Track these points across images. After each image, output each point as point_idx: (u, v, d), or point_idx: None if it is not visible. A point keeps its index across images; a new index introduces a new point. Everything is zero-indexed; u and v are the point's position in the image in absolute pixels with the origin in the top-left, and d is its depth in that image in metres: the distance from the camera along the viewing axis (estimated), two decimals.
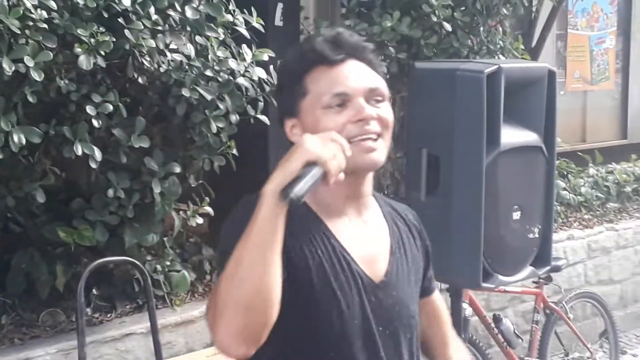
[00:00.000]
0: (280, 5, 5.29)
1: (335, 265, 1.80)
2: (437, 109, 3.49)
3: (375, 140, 1.81)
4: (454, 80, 3.42)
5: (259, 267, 1.60)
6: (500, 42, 5.61)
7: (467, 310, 4.72)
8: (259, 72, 4.05)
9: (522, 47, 6.10)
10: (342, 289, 1.79)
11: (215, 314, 1.62)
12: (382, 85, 1.87)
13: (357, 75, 1.84)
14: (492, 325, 5.06)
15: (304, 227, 1.81)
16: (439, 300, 2.18)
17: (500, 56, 5.62)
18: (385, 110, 1.86)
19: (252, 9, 4.15)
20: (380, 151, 1.83)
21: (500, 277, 3.51)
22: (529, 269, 3.64)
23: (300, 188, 1.61)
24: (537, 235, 3.62)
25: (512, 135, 3.49)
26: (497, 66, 3.38)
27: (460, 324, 3.85)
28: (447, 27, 5.13)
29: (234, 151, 4.18)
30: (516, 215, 3.53)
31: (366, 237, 1.89)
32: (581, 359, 5.49)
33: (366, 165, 1.82)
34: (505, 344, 5.05)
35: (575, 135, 9.06)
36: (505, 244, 3.53)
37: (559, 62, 8.84)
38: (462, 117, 3.42)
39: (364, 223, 1.90)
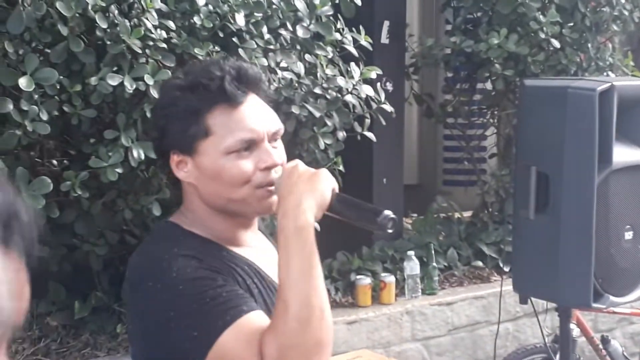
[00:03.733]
0: (386, 23, 5.36)
1: (262, 290, 1.80)
2: (547, 127, 3.46)
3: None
4: (565, 97, 3.38)
5: (325, 294, 1.67)
6: (610, 59, 5.53)
7: (575, 330, 4.66)
8: (366, 90, 4.10)
9: (632, 63, 6.00)
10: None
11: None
12: (280, 124, 1.82)
13: (261, 116, 1.77)
14: (600, 346, 4.98)
15: (222, 261, 1.78)
16: None
17: (610, 73, 5.54)
18: (282, 151, 1.81)
19: (360, 27, 4.21)
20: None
21: (612, 297, 3.44)
22: None
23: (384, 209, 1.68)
24: None
25: (624, 154, 3.43)
26: (609, 84, 3.33)
27: (568, 344, 3.79)
28: (555, 43, 5.09)
29: (341, 167, 4.24)
30: (628, 235, 3.46)
31: (271, 260, 1.84)
32: None
33: (265, 210, 1.80)
34: None
35: None
36: (616, 264, 3.46)
37: None
38: (572, 135, 3.37)
39: (264, 250, 1.90)
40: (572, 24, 5.28)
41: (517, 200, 3.67)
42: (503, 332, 5.23)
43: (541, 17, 4.96)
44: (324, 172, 1.72)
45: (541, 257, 3.50)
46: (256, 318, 1.67)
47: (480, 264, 5.54)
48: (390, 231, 1.68)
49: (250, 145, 1.75)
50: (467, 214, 6.13)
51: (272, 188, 1.75)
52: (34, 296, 3.33)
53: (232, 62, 1.82)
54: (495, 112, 5.83)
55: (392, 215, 1.66)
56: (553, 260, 3.43)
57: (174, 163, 1.79)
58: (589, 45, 5.43)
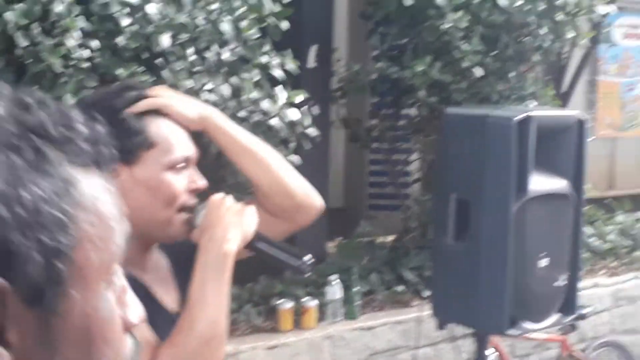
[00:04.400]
0: (314, 48, 5.41)
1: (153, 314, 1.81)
2: (467, 154, 3.53)
3: None
4: (484, 126, 3.47)
5: (225, 322, 1.74)
6: (531, 88, 5.66)
7: (492, 356, 4.74)
8: (291, 114, 4.12)
9: (552, 92, 6.15)
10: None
11: None
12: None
13: (187, 140, 1.76)
14: None
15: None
16: None
17: (531, 102, 5.67)
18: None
19: (289, 50, 4.23)
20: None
21: (526, 324, 3.52)
22: (555, 317, 3.65)
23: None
24: (564, 283, 3.64)
25: (541, 182, 3.52)
26: (527, 114, 3.43)
27: None
28: (478, 72, 5.19)
29: None
30: (544, 262, 3.55)
31: (165, 280, 1.87)
32: None
33: (179, 236, 1.79)
34: None
35: (604, 182, 9.04)
36: (531, 291, 3.55)
37: (589, 108, 8.86)
38: (491, 163, 3.46)
39: (159, 270, 1.88)
40: (495, 53, 5.39)
41: (437, 226, 3.74)
42: (423, 356, 5.28)
43: (465, 45, 5.05)
44: (251, 209, 1.77)
45: (459, 283, 3.57)
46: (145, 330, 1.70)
47: (401, 288, 5.58)
48: (306, 275, 1.74)
49: (185, 166, 1.75)
50: (392, 238, 6.18)
51: (191, 215, 1.75)
52: None
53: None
54: (420, 138, 5.90)
55: (312, 261, 1.72)
56: (471, 287, 3.49)
57: None
58: (511, 74, 5.55)
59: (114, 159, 0.79)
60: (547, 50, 5.65)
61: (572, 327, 5.30)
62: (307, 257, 1.73)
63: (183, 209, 1.76)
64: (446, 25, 5.01)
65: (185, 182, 1.75)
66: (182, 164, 1.74)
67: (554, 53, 5.79)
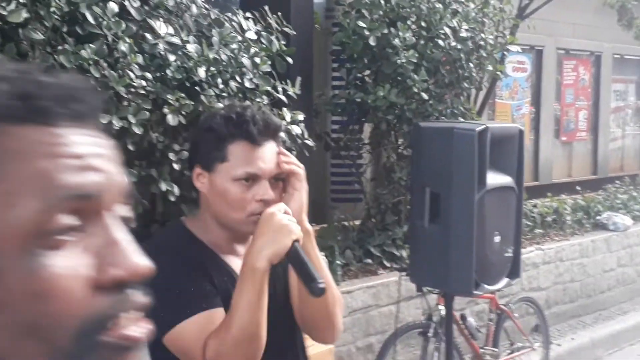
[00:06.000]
0: (299, 79, 5.29)
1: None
2: (438, 157, 3.49)
3: None
4: (452, 135, 3.43)
5: (263, 325, 1.61)
6: (461, 107, 5.65)
7: (442, 310, 4.71)
8: (296, 129, 4.02)
9: (475, 110, 6.16)
10: None
11: None
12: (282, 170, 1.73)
13: (270, 158, 1.69)
14: (460, 322, 5.05)
15: (213, 265, 1.74)
16: None
17: (460, 118, 5.66)
18: (276, 192, 1.72)
19: (290, 79, 4.13)
20: None
21: (486, 286, 3.49)
22: (505, 280, 3.63)
23: (319, 275, 1.55)
24: (511, 254, 3.62)
25: (494, 178, 3.50)
26: (485, 126, 3.40)
27: (451, 320, 3.83)
28: (424, 96, 5.15)
29: None
30: (497, 238, 3.53)
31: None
32: (523, 347, 5.48)
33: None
34: (469, 336, 5.04)
35: None
36: (489, 261, 3.52)
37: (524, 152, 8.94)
38: (457, 163, 3.42)
39: (240, 255, 1.78)
40: (434, 81, 5.36)
41: (414, 213, 3.68)
42: (387, 312, 5.23)
43: (415, 76, 5.01)
44: (292, 226, 1.61)
45: (433, 256, 3.52)
46: (212, 316, 1.62)
47: (369, 261, 5.52)
48: (317, 296, 1.60)
49: (253, 179, 1.68)
50: (357, 222, 6.11)
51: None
52: None
53: (261, 111, 1.76)
54: (377, 148, 5.84)
55: (323, 286, 1.57)
56: (443, 259, 3.45)
57: (195, 174, 1.75)
58: (447, 97, 5.53)
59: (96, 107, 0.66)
60: (473, 79, 5.65)
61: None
62: (321, 283, 1.56)
63: (252, 214, 1.68)
64: (401, 61, 4.96)
65: (252, 193, 1.68)
66: (245, 179, 1.68)
67: (478, 81, 5.79)
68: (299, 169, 1.74)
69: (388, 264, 5.50)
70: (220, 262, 1.76)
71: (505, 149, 3.58)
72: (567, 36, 9.89)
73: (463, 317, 5.08)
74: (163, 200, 3.81)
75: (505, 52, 6.05)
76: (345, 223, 5.82)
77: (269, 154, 1.71)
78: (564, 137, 10.26)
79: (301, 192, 1.73)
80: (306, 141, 4.09)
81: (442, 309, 4.70)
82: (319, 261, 1.74)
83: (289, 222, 1.60)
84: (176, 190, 3.52)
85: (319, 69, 6.55)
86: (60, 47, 2.92)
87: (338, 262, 5.10)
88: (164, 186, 3.47)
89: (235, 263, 1.76)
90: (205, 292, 1.66)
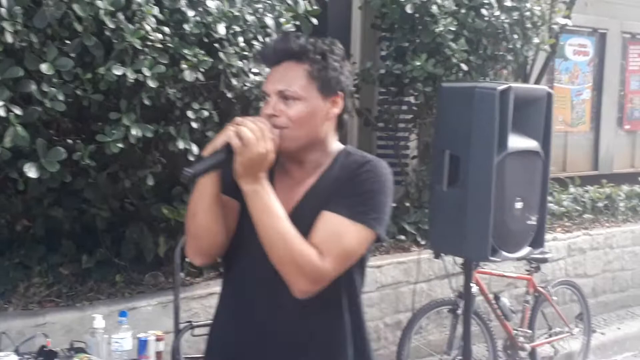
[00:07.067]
0: None
1: None
2: (458, 119, 3.40)
3: (282, 130, 1.72)
4: (473, 95, 3.33)
5: (200, 212, 1.74)
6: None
7: (474, 289, 4.62)
8: None
9: None
10: None
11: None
12: (293, 87, 1.72)
13: (276, 77, 1.75)
14: (493, 302, 4.95)
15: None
16: (328, 218, 1.74)
17: None
18: (292, 109, 1.72)
19: None
20: (284, 139, 1.72)
21: (504, 253, 3.39)
22: (527, 249, 3.51)
23: (195, 168, 1.66)
24: (534, 222, 3.50)
25: (517, 142, 3.38)
26: (508, 85, 3.29)
27: (470, 290, 3.73)
28: (464, 67, 5.06)
29: None
30: (518, 204, 3.42)
31: (289, 185, 1.81)
32: (562, 333, 5.32)
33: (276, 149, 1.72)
34: (502, 316, 4.94)
35: (559, 166, 8.89)
36: (508, 227, 3.41)
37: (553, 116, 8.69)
38: (478, 125, 3.32)
39: (292, 176, 1.81)
40: (477, 53, 5.25)
41: (434, 177, 3.61)
42: (419, 290, 5.16)
43: (454, 45, 4.92)
44: (230, 134, 1.69)
45: (451, 221, 3.43)
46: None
47: (402, 238, 5.47)
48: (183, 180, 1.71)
49: (268, 96, 1.76)
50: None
51: (276, 133, 1.72)
52: (50, 250, 3.17)
53: (281, 36, 1.87)
54: (417, 122, 5.77)
55: (185, 173, 1.66)
56: (460, 224, 3.36)
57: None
58: (490, 71, 5.41)
59: None
60: (518, 52, 5.50)
61: (537, 268, 5.18)
62: (187, 171, 1.66)
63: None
64: (439, 29, 4.88)
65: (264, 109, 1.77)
66: (263, 96, 1.79)
67: (523, 55, 5.64)
68: (235, 139, 1.68)
69: (423, 242, 5.43)
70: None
71: (531, 112, 3.46)
72: (633, 19, 9.52)
73: (496, 297, 4.97)
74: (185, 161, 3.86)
75: (555, 27, 5.86)
76: None
77: (278, 74, 1.76)
78: (627, 125, 9.89)
79: (237, 157, 1.69)
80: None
81: (474, 286, 4.63)
82: (263, 219, 1.70)
83: (229, 127, 1.69)
84: (195, 149, 3.57)
85: (363, 43, 6.53)
86: None
87: None
88: (181, 144, 3.52)
89: (276, 177, 1.81)
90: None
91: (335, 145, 1.84)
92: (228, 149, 1.66)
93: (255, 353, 1.78)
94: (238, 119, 1.69)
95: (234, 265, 1.83)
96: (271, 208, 1.69)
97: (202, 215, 1.74)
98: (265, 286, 1.77)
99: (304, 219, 1.74)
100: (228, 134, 1.67)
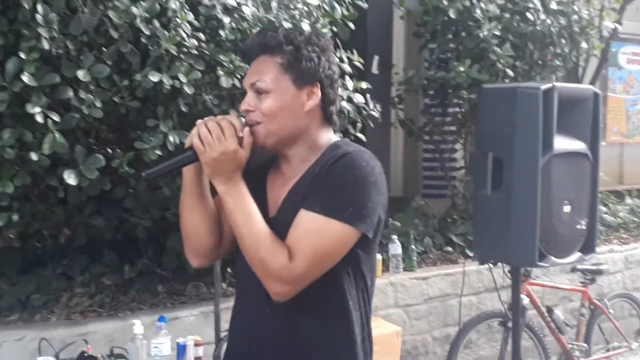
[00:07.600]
0: (376, 57, 5.25)
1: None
2: (500, 120, 3.31)
3: (256, 125, 1.68)
4: (515, 96, 3.25)
5: (185, 213, 1.76)
6: None
7: (525, 300, 4.47)
8: (358, 99, 3.97)
9: None
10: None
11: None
12: (263, 80, 1.67)
13: (252, 71, 1.70)
14: (546, 315, 4.78)
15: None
16: (303, 216, 1.65)
17: None
18: (264, 102, 1.67)
19: (367, 59, 4.07)
20: (259, 135, 1.68)
21: (553, 258, 3.27)
22: (577, 254, 3.38)
23: (154, 169, 1.70)
24: (584, 227, 3.37)
25: (563, 143, 3.28)
26: (552, 85, 3.20)
27: (518, 300, 3.60)
28: (510, 73, 4.95)
29: None
30: (566, 208, 3.30)
31: (280, 183, 1.76)
32: (620, 347, 5.10)
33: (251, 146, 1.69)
34: (556, 330, 4.76)
35: (615, 178, 8.62)
36: (556, 232, 3.29)
37: (601, 119, 8.46)
38: (521, 126, 3.23)
39: (282, 173, 1.76)
40: (523, 58, 5.14)
41: (476, 181, 3.52)
42: (467, 303, 5.03)
43: (499, 50, 4.82)
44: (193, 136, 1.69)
45: (496, 226, 3.33)
46: None
47: (450, 249, 5.35)
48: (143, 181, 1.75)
49: (245, 91, 1.73)
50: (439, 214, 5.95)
51: (252, 129, 1.70)
52: (92, 260, 3.18)
53: (263, 31, 1.77)
54: (462, 131, 5.67)
55: (144, 174, 1.71)
56: (506, 229, 3.26)
57: None
58: (537, 77, 5.29)
59: None
60: (565, 58, 5.36)
61: (592, 280, 4.99)
62: (145, 173, 1.70)
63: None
64: (483, 34, 4.79)
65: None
66: (245, 92, 1.73)
67: (571, 61, 5.49)
68: (195, 139, 1.66)
69: (471, 254, 5.30)
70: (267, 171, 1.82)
71: (578, 113, 3.35)
72: None
73: (550, 310, 4.80)
74: None
75: (607, 32, 5.69)
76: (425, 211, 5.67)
77: (253, 68, 1.72)
78: None
79: (200, 157, 1.67)
80: (372, 112, 4.02)
81: (525, 298, 4.48)
82: (234, 219, 1.66)
83: (195, 129, 1.67)
84: None
85: (406, 52, 6.48)
86: (111, 3, 3.02)
87: (414, 247, 4.97)
88: None
89: (271, 174, 1.80)
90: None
91: (326, 139, 1.74)
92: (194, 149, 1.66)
93: (247, 354, 1.75)
94: (199, 120, 1.67)
95: (238, 266, 1.81)
96: (243, 208, 1.64)
97: (187, 216, 1.74)
98: (255, 288, 1.70)
99: (287, 217, 1.68)
100: (190, 135, 1.66)
